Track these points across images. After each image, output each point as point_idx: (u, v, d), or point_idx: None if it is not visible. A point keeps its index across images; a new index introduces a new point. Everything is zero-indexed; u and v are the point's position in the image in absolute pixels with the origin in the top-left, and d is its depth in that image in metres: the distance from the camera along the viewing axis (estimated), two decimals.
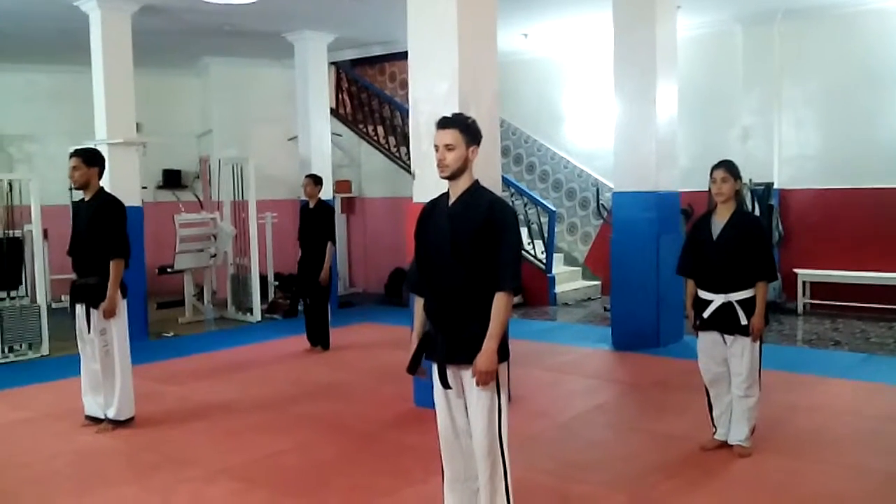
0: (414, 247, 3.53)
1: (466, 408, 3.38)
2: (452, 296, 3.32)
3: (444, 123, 3.36)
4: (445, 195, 3.43)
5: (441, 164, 3.32)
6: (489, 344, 3.21)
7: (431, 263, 3.40)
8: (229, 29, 10.00)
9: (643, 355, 7.58)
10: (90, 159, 5.49)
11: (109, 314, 5.38)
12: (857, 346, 7.89)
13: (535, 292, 10.89)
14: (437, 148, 3.33)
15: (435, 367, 3.38)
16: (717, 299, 4.72)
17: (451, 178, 3.35)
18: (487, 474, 3.33)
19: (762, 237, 4.78)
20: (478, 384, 3.23)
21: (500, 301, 3.24)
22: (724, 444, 4.90)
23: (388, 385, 6.67)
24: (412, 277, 3.57)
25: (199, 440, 5.39)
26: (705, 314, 4.77)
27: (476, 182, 3.40)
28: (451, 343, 3.31)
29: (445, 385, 3.36)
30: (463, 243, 3.28)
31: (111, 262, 5.37)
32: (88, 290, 5.44)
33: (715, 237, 4.75)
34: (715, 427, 4.95)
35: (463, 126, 3.35)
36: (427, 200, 3.58)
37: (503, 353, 3.32)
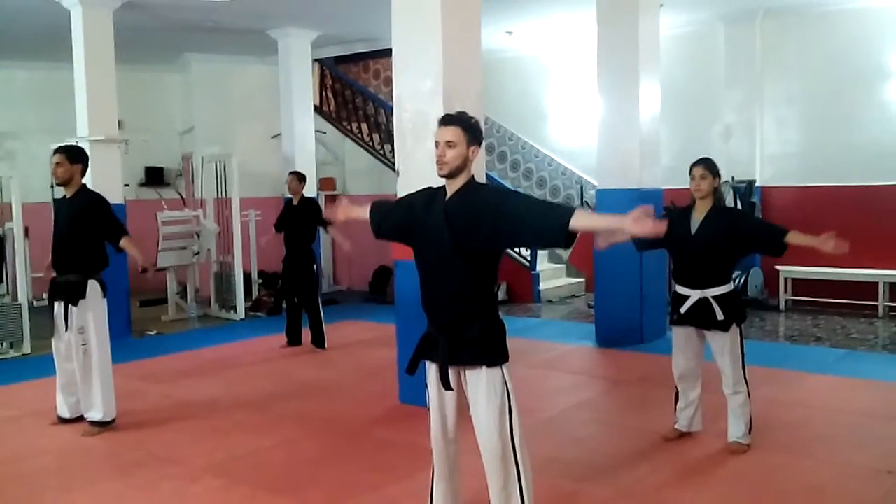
0: (395, 205, 3.67)
1: (468, 409, 3.32)
2: (454, 295, 3.28)
3: (446, 121, 3.31)
4: (442, 190, 3.37)
5: (440, 161, 3.26)
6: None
7: (430, 263, 3.35)
8: (212, 25, 9.96)
9: (627, 352, 7.62)
10: (73, 156, 5.48)
11: (149, 264, 5.56)
12: (838, 342, 7.97)
13: (519, 289, 10.93)
14: (437, 144, 3.28)
15: (435, 369, 3.33)
16: (694, 295, 4.76)
17: (449, 176, 3.29)
18: (500, 480, 3.28)
19: (746, 218, 4.79)
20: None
21: (581, 215, 3.09)
22: (684, 435, 5.02)
23: (372, 382, 6.67)
24: (380, 215, 3.65)
25: (183, 438, 5.37)
26: (682, 309, 4.81)
27: (472, 178, 3.36)
28: (454, 344, 3.27)
29: (447, 387, 3.30)
30: (465, 238, 3.22)
31: (123, 241, 5.50)
32: (67, 288, 5.41)
33: (693, 233, 4.80)
34: (676, 418, 5.06)
35: (465, 124, 3.29)
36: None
37: (503, 355, 3.29)
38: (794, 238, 4.63)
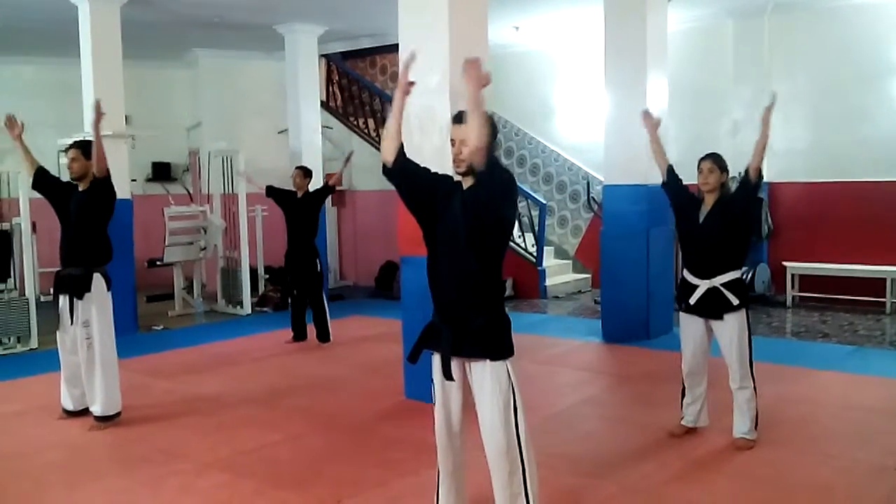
0: (424, 169, 3.45)
1: (473, 404, 3.33)
2: (462, 286, 3.28)
3: (460, 118, 3.29)
4: (460, 184, 3.38)
5: (457, 160, 3.27)
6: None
7: (443, 252, 3.33)
8: (219, 21, 9.96)
9: (633, 348, 7.61)
10: (89, 152, 5.52)
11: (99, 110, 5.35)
12: (845, 338, 7.94)
13: (525, 285, 10.91)
14: (453, 142, 3.29)
15: (438, 358, 3.34)
16: (703, 285, 4.78)
17: (466, 173, 3.29)
18: (505, 475, 3.26)
19: (733, 195, 4.88)
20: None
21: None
22: (691, 430, 5.02)
23: (379, 378, 6.67)
24: (404, 159, 3.43)
25: (189, 433, 5.38)
26: (692, 300, 4.83)
27: None
28: (458, 335, 3.27)
29: (449, 377, 3.31)
30: (477, 230, 3.23)
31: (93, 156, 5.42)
32: (72, 281, 5.43)
33: (700, 223, 4.86)
34: (682, 414, 5.06)
35: None
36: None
37: (508, 350, 3.30)
38: (756, 158, 4.82)
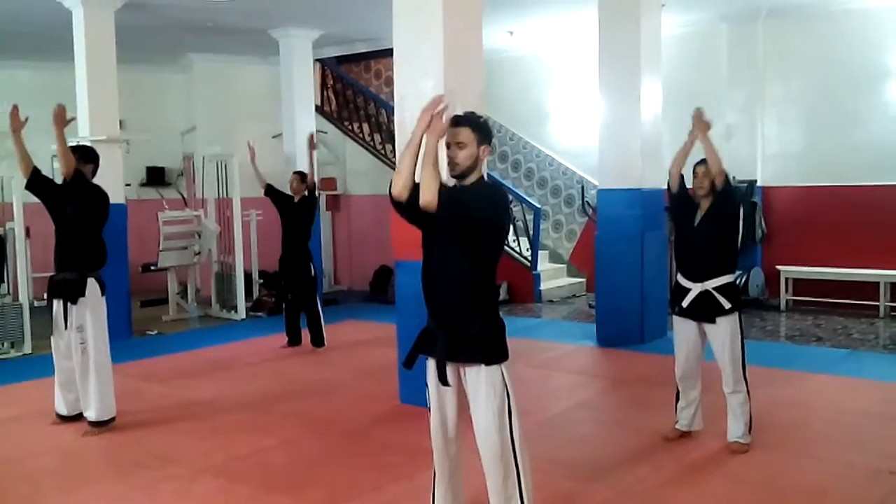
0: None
1: (468, 408, 3.33)
2: (456, 290, 3.28)
3: (456, 122, 3.30)
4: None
5: (451, 163, 3.28)
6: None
7: (436, 257, 3.34)
8: (213, 25, 9.96)
9: (627, 351, 7.62)
10: (85, 156, 5.54)
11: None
12: (839, 342, 7.96)
13: (520, 289, 10.92)
14: (448, 146, 3.29)
15: (433, 364, 3.34)
16: (696, 288, 4.81)
17: (460, 177, 3.30)
18: (500, 479, 3.27)
19: (719, 195, 4.86)
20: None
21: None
22: (685, 434, 5.03)
23: (373, 382, 6.67)
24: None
25: (183, 438, 5.37)
26: (684, 303, 4.86)
27: (482, 177, 3.38)
28: (452, 340, 3.28)
29: (444, 382, 3.30)
30: (470, 235, 3.24)
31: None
32: (66, 286, 5.42)
33: (695, 225, 4.90)
34: (677, 417, 5.07)
35: (475, 125, 3.31)
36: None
37: (503, 354, 3.30)
38: (713, 167, 4.83)
